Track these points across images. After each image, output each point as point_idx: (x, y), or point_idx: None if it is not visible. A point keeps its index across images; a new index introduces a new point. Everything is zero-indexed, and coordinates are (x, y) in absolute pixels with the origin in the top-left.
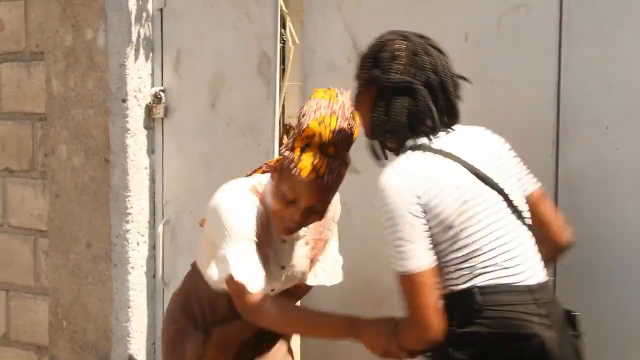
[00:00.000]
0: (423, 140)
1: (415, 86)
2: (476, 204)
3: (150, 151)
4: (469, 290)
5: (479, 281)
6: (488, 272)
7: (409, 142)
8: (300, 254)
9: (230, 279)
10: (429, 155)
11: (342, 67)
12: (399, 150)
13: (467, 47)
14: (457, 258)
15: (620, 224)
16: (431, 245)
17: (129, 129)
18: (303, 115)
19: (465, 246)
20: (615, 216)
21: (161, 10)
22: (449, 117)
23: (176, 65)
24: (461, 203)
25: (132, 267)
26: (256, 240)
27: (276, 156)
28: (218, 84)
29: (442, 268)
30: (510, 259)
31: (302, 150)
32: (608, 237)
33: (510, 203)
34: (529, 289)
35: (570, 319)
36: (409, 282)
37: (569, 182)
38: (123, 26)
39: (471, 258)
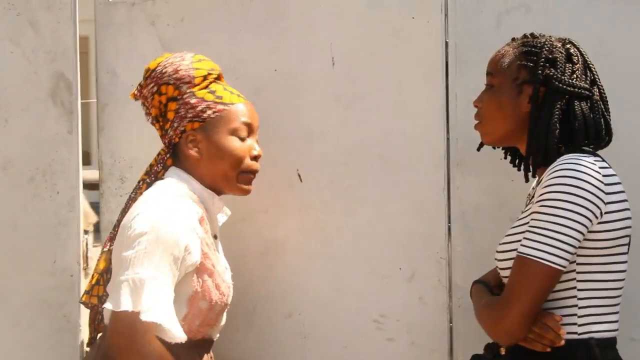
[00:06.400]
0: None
1: (594, 96)
2: (626, 235)
3: None
4: (585, 341)
5: (598, 329)
6: (608, 321)
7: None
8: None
9: (131, 313)
10: (606, 165)
11: None
12: (552, 158)
13: (335, 73)
14: (594, 291)
15: None
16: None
17: None
18: (176, 72)
19: (606, 281)
20: None
21: None
22: (608, 134)
23: None
24: (623, 229)
25: None
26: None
27: (82, 208)
28: None
29: (569, 305)
30: (618, 304)
31: (211, 93)
32: None
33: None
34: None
35: None
36: (534, 270)
37: (463, 218)
38: None
39: (606, 297)
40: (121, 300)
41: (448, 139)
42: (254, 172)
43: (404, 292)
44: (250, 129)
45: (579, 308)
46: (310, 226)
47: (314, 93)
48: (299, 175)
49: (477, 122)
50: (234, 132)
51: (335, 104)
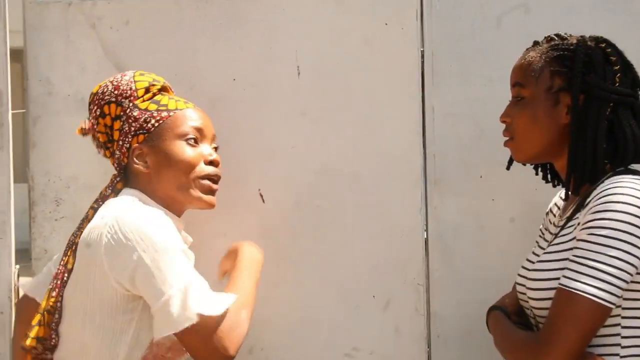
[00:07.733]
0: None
1: (637, 101)
2: None
3: None
4: None
5: None
6: None
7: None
8: None
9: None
10: None
11: None
12: (597, 176)
13: (301, 83)
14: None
15: (499, 284)
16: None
17: None
18: (116, 88)
19: None
20: (493, 276)
21: None
22: None
23: None
24: None
25: None
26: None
27: (13, 235)
28: None
29: (612, 343)
30: None
31: (155, 103)
32: (488, 301)
33: None
34: None
35: None
36: (582, 306)
37: (442, 241)
38: None
39: None
40: (183, 317)
41: (425, 155)
42: (212, 179)
43: (378, 322)
44: (202, 133)
45: (622, 348)
46: (274, 252)
47: (277, 105)
48: (261, 196)
49: (507, 139)
50: (181, 137)
51: (301, 117)
